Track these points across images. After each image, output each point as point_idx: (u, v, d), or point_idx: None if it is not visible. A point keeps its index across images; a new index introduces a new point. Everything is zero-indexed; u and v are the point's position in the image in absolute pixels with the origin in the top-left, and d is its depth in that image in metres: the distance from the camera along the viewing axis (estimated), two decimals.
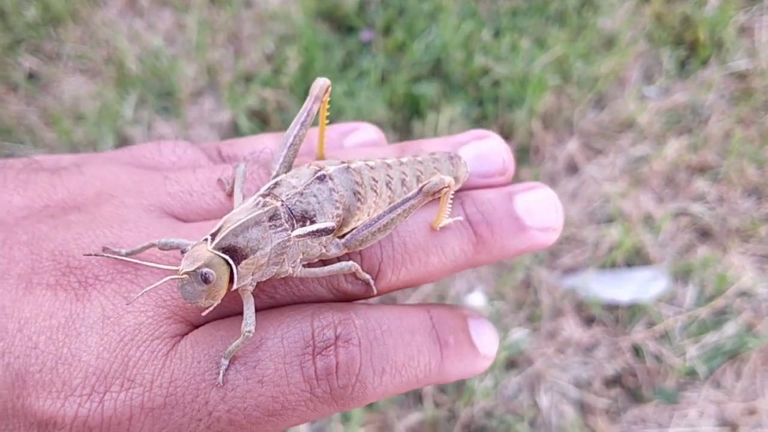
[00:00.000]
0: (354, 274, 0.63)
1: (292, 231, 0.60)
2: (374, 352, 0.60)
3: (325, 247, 0.63)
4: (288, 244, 0.60)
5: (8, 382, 0.54)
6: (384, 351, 0.60)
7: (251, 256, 0.57)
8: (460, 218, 0.67)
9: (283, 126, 2.41)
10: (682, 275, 2.14)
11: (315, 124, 0.71)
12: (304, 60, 2.47)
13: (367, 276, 0.62)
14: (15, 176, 0.64)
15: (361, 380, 0.59)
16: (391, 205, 0.64)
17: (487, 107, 2.44)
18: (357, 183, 0.65)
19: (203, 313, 0.57)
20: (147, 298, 0.58)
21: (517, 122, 2.40)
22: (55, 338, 0.55)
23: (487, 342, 0.69)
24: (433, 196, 0.62)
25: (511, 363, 2.00)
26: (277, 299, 0.62)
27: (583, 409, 1.93)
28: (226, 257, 0.56)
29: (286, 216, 0.61)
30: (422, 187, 0.62)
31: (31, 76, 2.54)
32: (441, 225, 0.66)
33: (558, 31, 2.62)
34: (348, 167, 0.65)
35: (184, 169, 0.69)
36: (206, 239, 0.57)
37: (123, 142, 2.38)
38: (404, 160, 0.68)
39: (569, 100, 2.51)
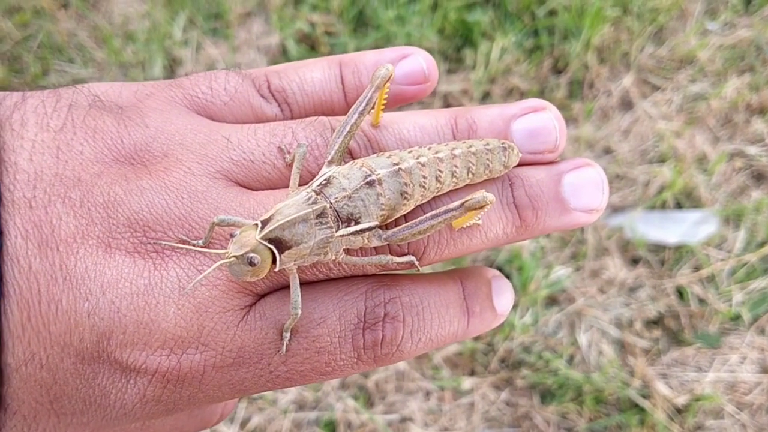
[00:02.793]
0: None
1: (336, 231, 0.65)
2: (414, 326, 0.67)
3: (367, 239, 0.67)
4: (331, 240, 0.64)
5: (94, 339, 0.59)
6: (422, 325, 0.67)
7: (295, 248, 0.62)
8: (480, 222, 0.69)
9: (332, 51, 2.37)
10: (733, 219, 2.09)
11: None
12: None
13: (409, 257, 0.67)
14: (82, 121, 0.65)
15: (400, 348, 0.66)
16: (433, 213, 0.66)
17: (542, 38, 2.37)
18: (405, 184, 0.66)
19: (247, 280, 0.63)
20: (219, 273, 0.63)
21: (572, 54, 2.33)
22: (135, 304, 0.60)
23: (504, 302, 0.73)
24: (474, 210, 0.64)
25: (552, 300, 2.00)
26: (331, 276, 0.68)
27: (623, 348, 1.93)
28: (272, 247, 0.61)
29: (333, 217, 0.65)
30: (464, 203, 0.64)
31: None
32: (461, 226, 0.68)
33: None
34: (398, 170, 0.66)
35: (242, 116, 0.73)
36: (256, 224, 0.61)
37: (172, 62, 2.38)
38: (457, 152, 0.68)
39: (627, 32, 2.42)
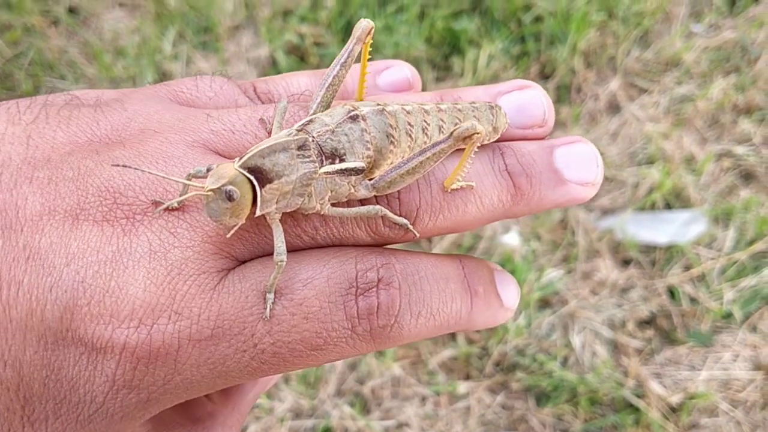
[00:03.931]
0: (383, 219, 0.63)
1: (320, 166, 0.61)
2: (412, 296, 0.62)
3: (354, 187, 0.63)
4: (314, 176, 0.60)
5: (57, 315, 0.55)
6: (421, 295, 0.62)
7: (276, 181, 0.58)
8: (473, 184, 0.66)
9: (321, 62, 2.39)
10: (723, 218, 2.11)
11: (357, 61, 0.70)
12: None
13: (403, 219, 0.63)
14: (57, 113, 0.64)
15: (399, 321, 0.61)
16: (421, 149, 0.63)
17: (529, 44, 2.39)
18: (390, 126, 0.64)
19: (228, 234, 0.58)
20: (193, 234, 0.59)
21: (558, 59, 2.35)
22: (102, 272, 0.56)
23: (510, 295, 0.71)
24: (464, 141, 0.62)
25: (545, 302, 2.01)
26: (318, 241, 0.63)
27: (616, 349, 1.94)
28: (251, 177, 0.57)
29: (316, 151, 0.61)
30: (452, 132, 0.62)
31: (72, 11, 2.55)
32: (453, 187, 0.65)
33: None
34: (383, 109, 0.64)
35: (226, 107, 0.70)
36: (233, 161, 0.57)
37: (162, 77, 2.40)
38: (443, 106, 0.68)
39: (613, 36, 2.45)
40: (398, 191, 0.65)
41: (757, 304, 1.97)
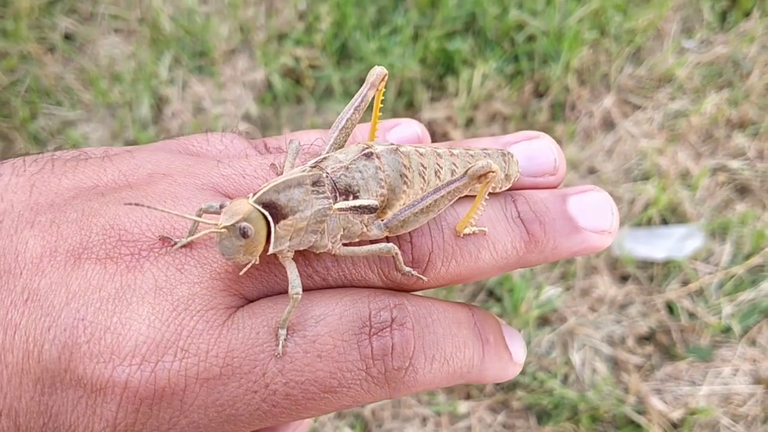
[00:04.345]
0: (395, 258, 0.62)
1: (334, 202, 0.60)
2: (426, 338, 0.60)
3: (366, 226, 0.63)
4: (328, 212, 0.59)
5: (54, 355, 0.52)
6: (434, 339, 0.61)
7: (290, 217, 0.57)
8: (486, 230, 0.65)
9: (317, 85, 2.41)
10: (719, 232, 2.11)
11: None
12: (337, 17, 2.46)
13: (408, 268, 0.62)
14: (63, 164, 0.64)
15: (414, 364, 0.59)
16: (435, 188, 0.63)
17: (522, 63, 2.41)
18: (404, 166, 0.64)
19: (241, 272, 0.57)
20: (201, 270, 0.57)
21: (552, 78, 2.37)
22: (103, 309, 0.54)
23: (518, 350, 0.70)
24: (478, 180, 0.62)
25: (544, 320, 2.01)
26: (330, 281, 0.62)
27: (616, 366, 1.94)
28: (266, 213, 0.56)
29: (330, 187, 0.60)
30: (467, 170, 0.62)
31: (68, 37, 2.56)
32: (465, 231, 0.65)
33: None
34: (396, 149, 0.65)
35: (236, 156, 0.70)
36: (247, 197, 0.56)
37: (159, 101, 2.41)
38: (455, 151, 0.68)
39: (606, 54, 2.47)
40: (410, 235, 0.64)
41: (756, 317, 1.97)
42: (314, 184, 0.59)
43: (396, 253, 0.60)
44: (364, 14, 2.48)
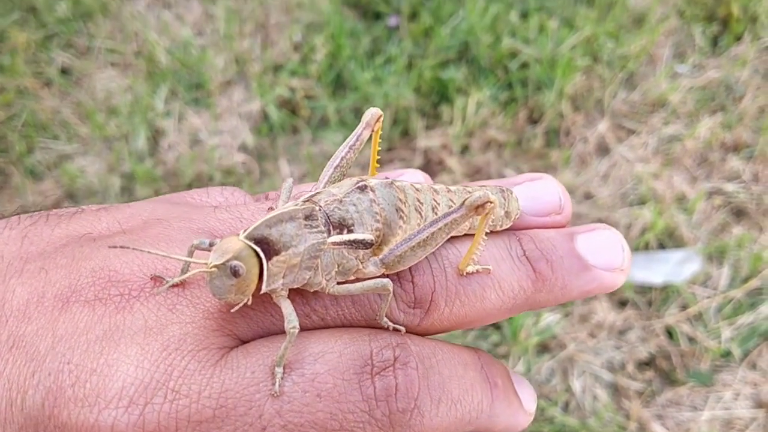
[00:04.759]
0: (397, 302, 0.60)
1: (328, 236, 0.58)
2: (430, 379, 0.57)
3: (362, 262, 0.61)
4: (322, 247, 0.57)
5: (38, 401, 0.50)
6: (440, 380, 0.57)
7: (283, 253, 0.54)
8: (490, 268, 0.62)
9: (312, 114, 2.42)
10: (716, 256, 2.12)
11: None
12: (332, 48, 2.48)
13: (399, 327, 0.59)
14: (57, 216, 0.63)
15: (419, 407, 0.55)
16: (432, 219, 0.61)
17: (516, 90, 2.43)
18: (400, 200, 0.62)
19: (232, 310, 0.55)
20: (193, 310, 0.55)
21: (546, 104, 2.38)
22: (90, 351, 0.51)
23: (528, 397, 0.66)
24: (476, 211, 0.60)
25: (544, 347, 2.00)
26: (328, 321, 0.59)
27: (617, 392, 1.93)
28: (258, 249, 0.53)
29: (324, 221, 0.58)
30: (465, 201, 0.60)
31: (64, 71, 2.58)
32: (468, 270, 0.62)
33: (586, 11, 2.58)
34: (391, 183, 0.63)
35: (234, 204, 0.69)
36: (238, 234, 0.54)
37: (155, 134, 2.42)
38: (452, 188, 0.66)
39: (599, 80, 2.48)
40: (411, 274, 0.61)
41: (756, 341, 1.97)
42: (307, 218, 0.57)
43: (389, 291, 0.57)
44: (358, 45, 2.50)
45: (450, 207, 0.65)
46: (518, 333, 1.97)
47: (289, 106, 2.45)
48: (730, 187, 2.25)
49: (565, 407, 1.91)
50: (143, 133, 2.39)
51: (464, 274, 0.62)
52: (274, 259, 0.54)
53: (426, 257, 0.62)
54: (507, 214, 0.68)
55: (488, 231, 0.63)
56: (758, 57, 2.53)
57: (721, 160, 2.32)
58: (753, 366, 1.95)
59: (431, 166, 2.30)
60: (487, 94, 2.39)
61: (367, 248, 0.60)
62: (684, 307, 2.04)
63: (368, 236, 0.60)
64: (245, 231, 0.54)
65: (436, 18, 2.55)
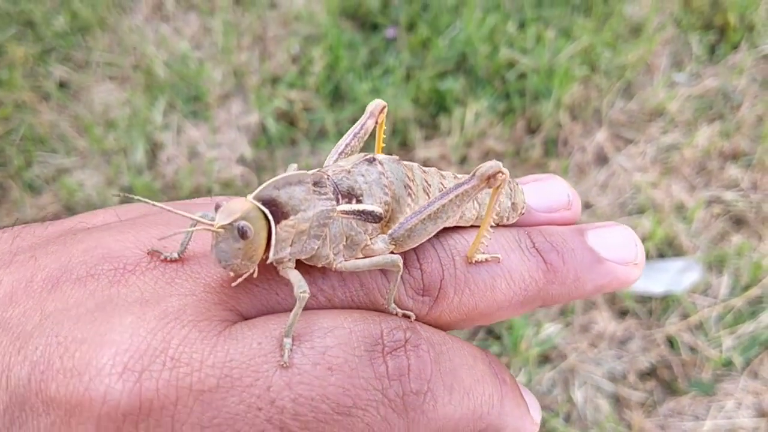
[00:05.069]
0: (406, 289, 0.58)
1: (338, 204, 0.56)
2: (442, 364, 0.54)
3: (371, 238, 0.59)
4: (332, 215, 0.55)
5: (24, 378, 0.46)
6: (451, 366, 0.55)
7: (292, 217, 0.52)
8: (499, 256, 0.61)
9: (311, 126, 2.42)
10: (716, 265, 2.11)
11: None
12: (330, 60, 2.48)
13: (408, 312, 0.57)
14: (52, 221, 0.61)
15: (432, 390, 0.53)
16: (442, 192, 0.59)
17: (514, 100, 2.43)
18: (408, 177, 0.61)
19: (234, 283, 0.52)
20: (194, 283, 0.52)
21: (544, 114, 2.38)
22: (81, 323, 0.47)
23: (534, 406, 0.65)
24: (487, 182, 0.58)
25: (545, 358, 2.00)
26: (335, 303, 0.56)
27: (618, 402, 1.92)
28: (266, 211, 0.51)
29: (332, 188, 0.56)
30: (476, 171, 0.58)
31: (62, 85, 2.58)
32: (477, 258, 0.60)
33: (583, 21, 2.59)
34: (398, 160, 0.62)
35: None
36: (245, 196, 0.52)
37: (154, 147, 2.42)
38: (460, 176, 0.65)
39: (597, 90, 2.49)
40: (419, 261, 0.60)
41: (757, 350, 1.96)
42: (316, 184, 0.55)
43: (401, 265, 0.55)
44: (356, 56, 2.51)
45: None
46: (519, 343, 1.96)
47: (287, 118, 2.45)
48: (729, 195, 2.25)
49: (567, 418, 1.90)
50: (141, 146, 2.39)
51: (473, 262, 0.60)
52: (283, 223, 0.52)
53: (434, 246, 0.61)
54: (514, 206, 0.67)
55: (495, 225, 0.62)
56: (755, 65, 2.53)
57: (719, 169, 2.32)
58: (754, 375, 1.95)
59: None
60: (485, 105, 2.39)
61: (376, 222, 0.59)
62: (684, 317, 2.03)
63: (377, 208, 0.58)
64: (253, 192, 0.52)
65: (434, 29, 2.55)
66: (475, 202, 0.65)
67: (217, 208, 0.51)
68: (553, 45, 2.51)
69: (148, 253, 0.53)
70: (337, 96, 2.47)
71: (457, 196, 0.59)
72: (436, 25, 2.56)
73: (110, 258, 0.52)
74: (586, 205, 2.25)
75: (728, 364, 1.96)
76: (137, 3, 2.79)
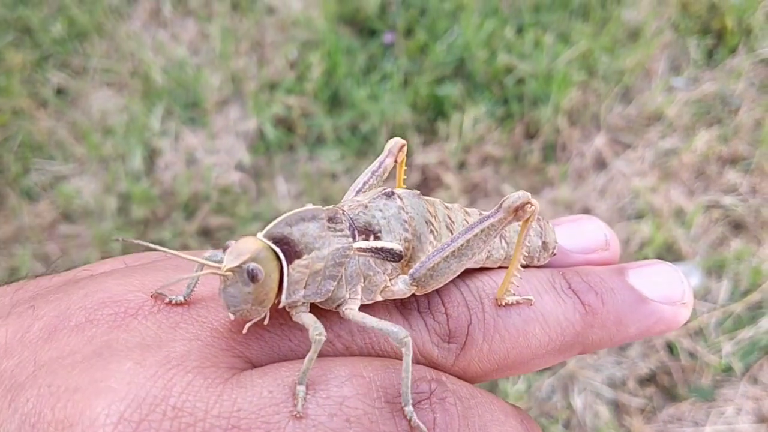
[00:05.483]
0: (430, 335, 0.54)
1: (354, 241, 0.52)
2: (470, 419, 0.49)
3: (390, 278, 0.54)
4: (348, 253, 0.51)
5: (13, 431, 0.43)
6: (480, 423, 0.50)
7: (305, 256, 0.49)
8: (531, 298, 0.56)
9: (309, 132, 2.42)
10: (716, 270, 2.11)
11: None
12: (328, 65, 2.48)
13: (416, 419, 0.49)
14: (59, 273, 0.59)
15: None
16: (467, 227, 0.55)
17: (512, 106, 2.43)
18: (430, 213, 0.57)
19: (245, 329, 0.48)
20: (199, 328, 0.49)
21: (542, 119, 2.38)
22: (75, 372, 0.44)
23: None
24: (515, 214, 0.54)
25: None
26: (353, 351, 0.52)
27: (618, 409, 1.92)
28: (278, 250, 0.48)
29: (348, 224, 0.53)
30: (502, 202, 0.54)
31: (60, 92, 2.58)
32: (507, 300, 0.56)
33: (582, 25, 2.59)
34: (419, 194, 0.58)
35: None
36: (255, 235, 0.49)
37: (151, 153, 2.41)
38: (485, 213, 0.59)
39: (595, 95, 2.48)
40: (444, 305, 0.55)
41: (756, 355, 1.96)
42: (330, 219, 0.52)
43: (410, 343, 0.49)
44: (354, 62, 2.50)
45: None
46: None
47: (285, 124, 2.45)
48: (727, 200, 2.24)
49: (567, 424, 1.90)
50: (139, 152, 2.38)
51: (503, 304, 0.56)
52: (296, 262, 0.48)
53: (459, 288, 0.57)
54: (545, 245, 0.63)
55: (525, 265, 0.57)
56: (753, 69, 2.53)
57: (718, 173, 2.32)
58: (754, 381, 1.94)
59: (428, 183, 2.30)
60: (484, 110, 2.39)
61: (396, 260, 0.54)
62: (684, 322, 2.02)
63: (397, 246, 0.54)
64: (263, 230, 0.49)
65: (432, 34, 2.55)
66: (503, 241, 0.61)
67: (225, 249, 0.48)
68: (551, 50, 2.50)
69: (151, 296, 0.51)
70: (335, 102, 2.47)
71: (482, 231, 0.54)
72: (434, 30, 2.56)
73: (111, 302, 0.50)
74: (585, 211, 2.24)
75: (728, 369, 1.95)
76: (134, 9, 2.78)
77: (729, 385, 1.94)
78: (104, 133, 2.46)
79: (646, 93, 2.50)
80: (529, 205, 0.54)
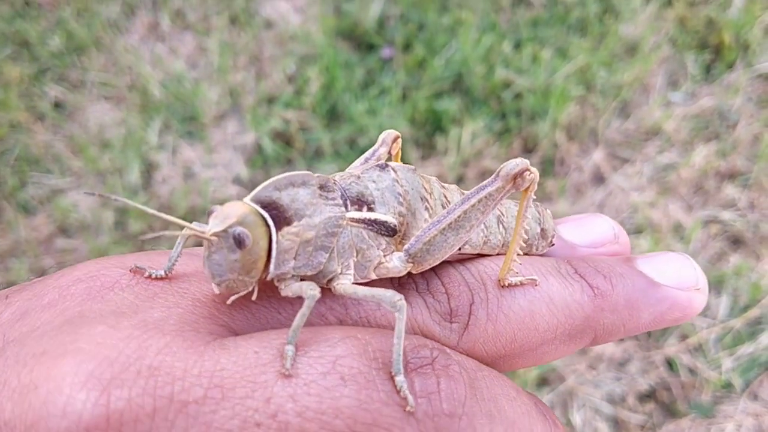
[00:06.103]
0: (429, 311, 0.50)
1: (347, 210, 0.49)
2: (478, 390, 0.45)
3: (385, 254, 0.51)
4: (341, 222, 0.48)
5: None
6: (490, 393, 0.45)
7: (296, 223, 0.45)
8: (536, 278, 0.53)
9: (307, 146, 2.41)
10: (715, 285, 2.10)
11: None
12: (326, 80, 2.48)
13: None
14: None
15: (469, 416, 0.43)
16: (463, 197, 0.52)
17: (510, 120, 2.43)
18: (425, 190, 0.54)
19: (230, 300, 0.44)
20: (179, 298, 0.46)
21: (540, 134, 2.38)
22: (44, 340, 0.42)
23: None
24: (513, 182, 0.51)
25: (543, 380, 1.98)
26: (347, 324, 0.49)
27: (618, 425, 1.91)
28: (266, 215, 0.44)
29: (340, 193, 0.49)
30: (500, 170, 0.51)
31: (57, 105, 2.57)
32: (510, 281, 0.53)
33: (579, 40, 2.59)
34: (414, 169, 0.55)
35: None
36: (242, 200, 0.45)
37: (149, 167, 2.40)
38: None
39: (593, 109, 2.48)
40: (444, 285, 0.52)
41: (756, 371, 1.95)
42: (322, 187, 0.48)
43: (400, 310, 0.45)
44: (352, 76, 2.50)
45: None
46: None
47: (283, 138, 2.44)
48: (726, 215, 2.24)
49: None
50: (137, 166, 2.38)
51: (505, 285, 0.53)
52: (285, 229, 0.45)
53: (458, 271, 0.53)
54: (543, 232, 0.61)
55: (525, 252, 0.55)
56: (751, 84, 2.53)
57: (716, 189, 2.31)
58: (754, 397, 1.93)
59: None
60: (482, 125, 2.39)
61: (390, 235, 0.51)
62: (684, 338, 2.02)
63: (391, 219, 0.51)
64: (251, 193, 0.46)
65: (430, 49, 2.55)
66: (501, 226, 0.58)
67: (210, 214, 0.45)
68: (549, 65, 2.51)
69: (130, 271, 0.48)
70: (333, 116, 2.47)
71: (479, 201, 0.51)
72: (432, 45, 2.56)
73: (86, 278, 0.47)
74: None
75: (728, 386, 1.94)
76: (133, 23, 2.78)
77: (729, 402, 1.93)
78: (101, 146, 2.45)
79: (644, 108, 2.51)
80: (528, 173, 0.51)
